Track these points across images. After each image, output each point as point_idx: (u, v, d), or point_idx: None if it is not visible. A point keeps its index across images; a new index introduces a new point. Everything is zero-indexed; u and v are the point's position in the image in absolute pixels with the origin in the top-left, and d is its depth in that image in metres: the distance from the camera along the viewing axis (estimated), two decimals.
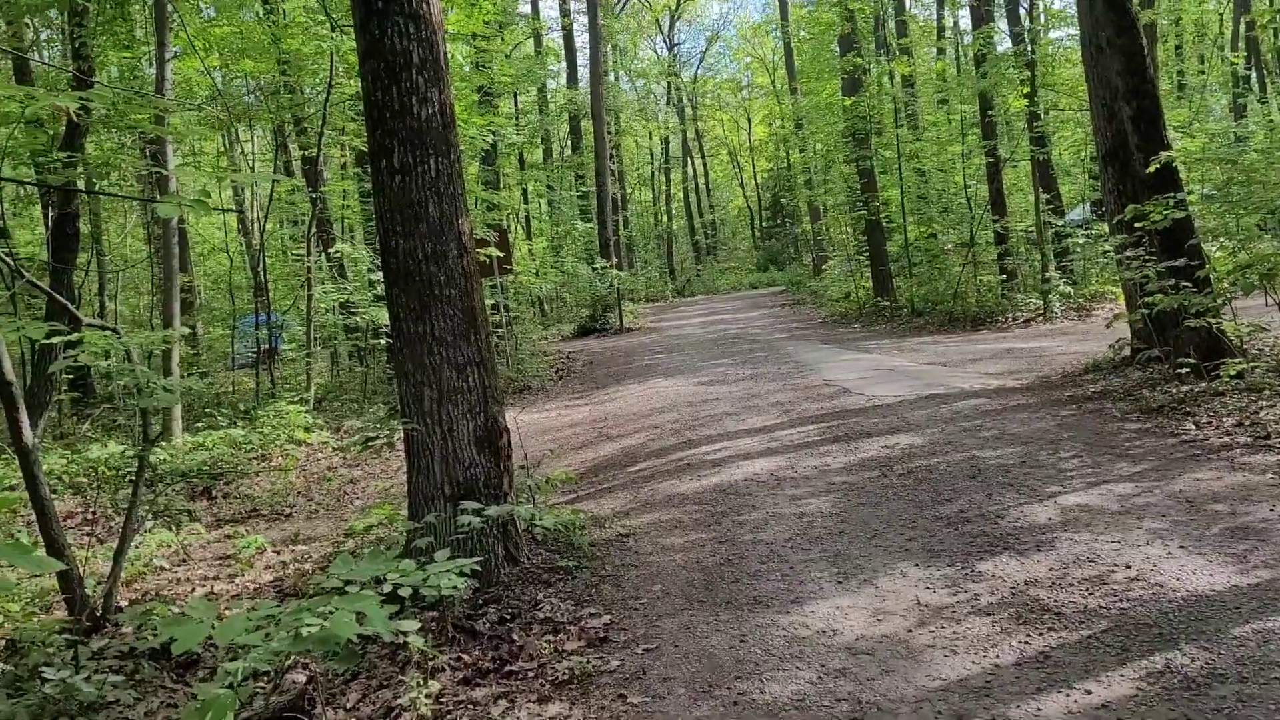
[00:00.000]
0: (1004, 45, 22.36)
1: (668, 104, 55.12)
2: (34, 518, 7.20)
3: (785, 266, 43.27)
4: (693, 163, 56.72)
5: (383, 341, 16.09)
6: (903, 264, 21.89)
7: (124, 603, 6.27)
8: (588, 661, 4.49)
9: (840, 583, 5.16)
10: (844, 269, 26.55)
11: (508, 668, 4.50)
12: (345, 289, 16.21)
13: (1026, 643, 4.16)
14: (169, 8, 13.55)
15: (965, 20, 30.38)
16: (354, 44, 13.76)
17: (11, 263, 6.78)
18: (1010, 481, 6.58)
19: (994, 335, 15.76)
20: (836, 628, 4.59)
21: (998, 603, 4.62)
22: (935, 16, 33.07)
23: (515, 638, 4.82)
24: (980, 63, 19.88)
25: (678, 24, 54.20)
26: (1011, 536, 5.49)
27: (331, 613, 3.02)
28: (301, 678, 4.66)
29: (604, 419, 11.85)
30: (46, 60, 18.05)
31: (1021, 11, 21.07)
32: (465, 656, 4.65)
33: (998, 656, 4.07)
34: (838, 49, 25.05)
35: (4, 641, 5.72)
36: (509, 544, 5.96)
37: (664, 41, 54.94)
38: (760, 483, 7.49)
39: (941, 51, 31.91)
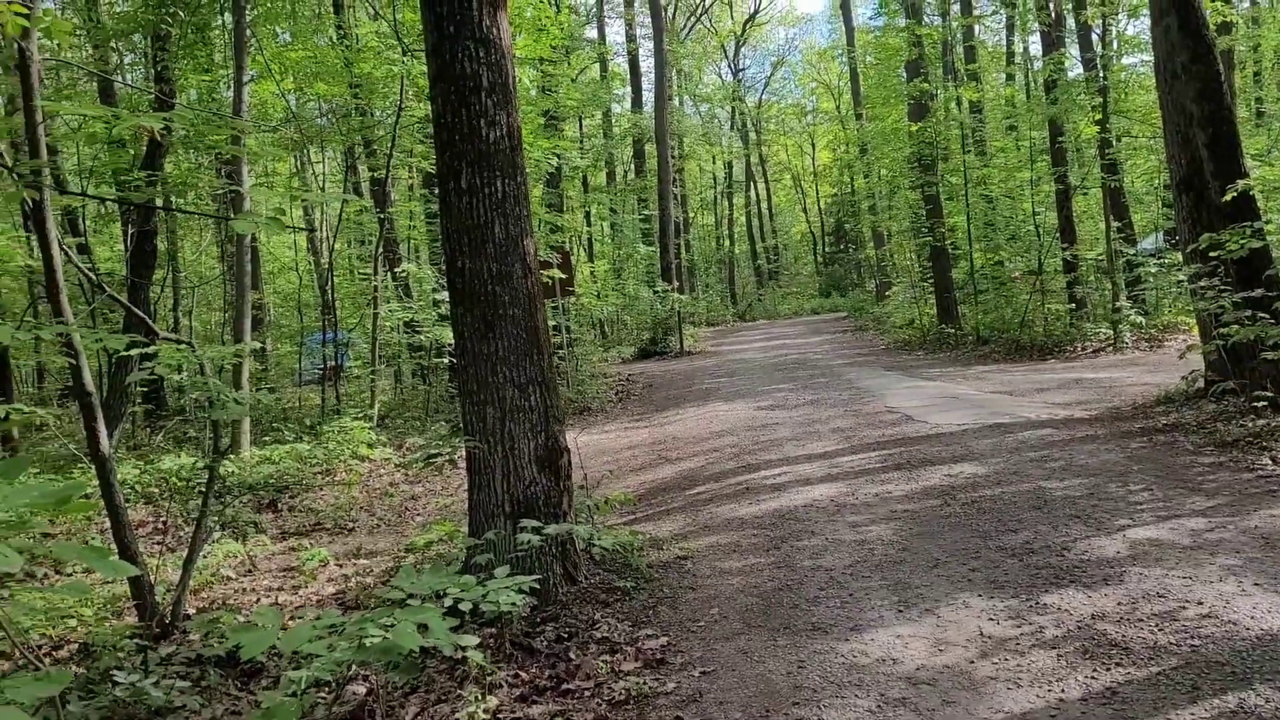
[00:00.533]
0: (1075, 71, 22.07)
1: (731, 128, 55.25)
2: (108, 525, 7.39)
3: (848, 292, 43.01)
4: (756, 187, 56.71)
5: (445, 360, 16.31)
6: (968, 291, 21.62)
7: (192, 610, 6.41)
8: (644, 683, 4.48)
9: (901, 611, 5.09)
10: (908, 295, 26.30)
11: (564, 686, 4.51)
12: (410, 308, 16.46)
13: (1093, 678, 4.07)
14: (248, 32, 13.96)
15: (1035, 46, 30.01)
16: (424, 68, 14.03)
17: (93, 277, 7.01)
18: (1077, 513, 6.45)
19: (1062, 365, 15.47)
20: (896, 656, 4.53)
21: (1063, 636, 4.52)
22: (1005, 42, 32.74)
23: (572, 656, 4.83)
24: (1050, 88, 19.63)
25: (743, 49, 54.39)
26: (1078, 569, 5.37)
27: (394, 624, 3.06)
28: (362, 689, 4.72)
29: (663, 441, 11.85)
30: (130, 83, 18.68)
31: (1094, 37, 20.77)
32: (523, 674, 4.67)
33: (1063, 691, 3.99)
34: (904, 74, 24.92)
35: (78, 645, 5.89)
36: (567, 563, 5.98)
37: (729, 66, 55.14)
38: (820, 509, 7.43)
39: (1011, 77, 31.55)
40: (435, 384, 17.30)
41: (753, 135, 54.58)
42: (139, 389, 16.20)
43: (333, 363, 17.74)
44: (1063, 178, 19.35)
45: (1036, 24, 22.20)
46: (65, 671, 2.47)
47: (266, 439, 13.36)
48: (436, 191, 17.61)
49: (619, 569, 6.27)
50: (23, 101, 6.38)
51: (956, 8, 25.24)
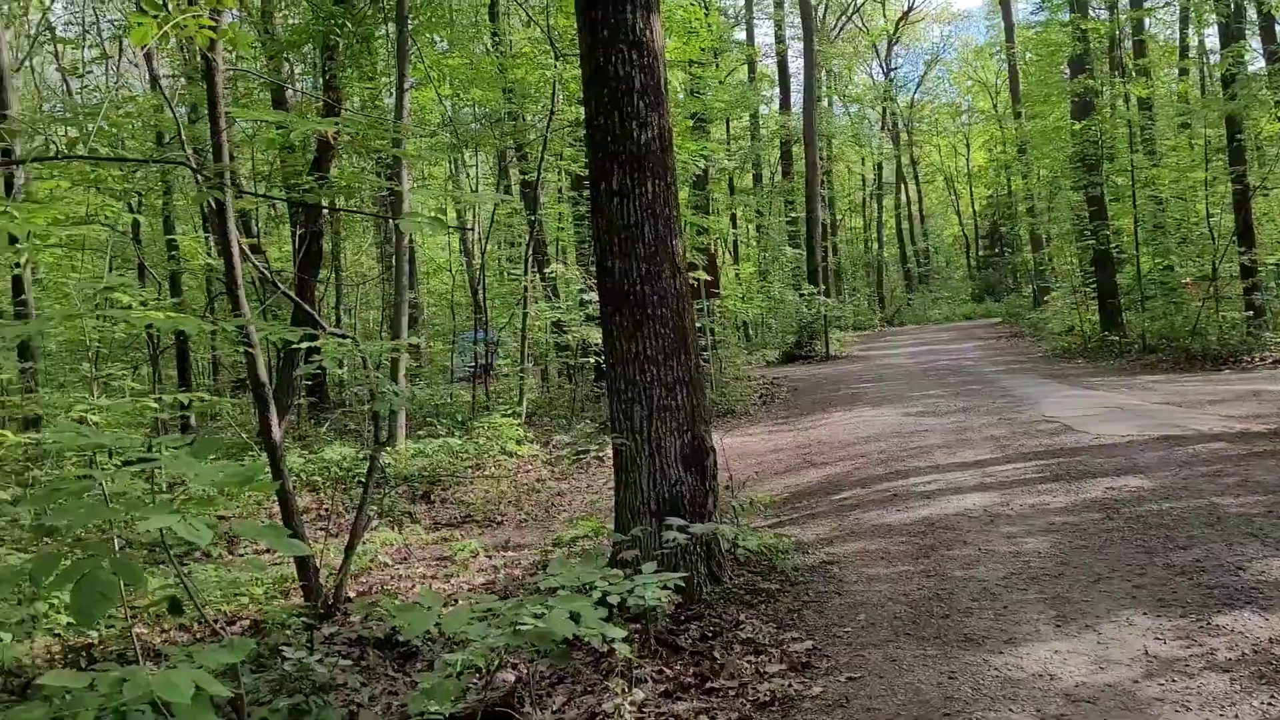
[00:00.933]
0: (1256, 65, 20.74)
1: (882, 129, 54.16)
2: (276, 510, 7.78)
3: (1002, 297, 41.50)
4: (906, 189, 55.43)
5: (591, 360, 16.56)
6: (1133, 297, 20.57)
7: (352, 594, 6.70)
8: (789, 685, 4.45)
9: (1059, 626, 4.90)
10: (1067, 301, 25.23)
11: (709, 684, 4.52)
12: (558, 308, 16.78)
13: (1270, 704, 3.82)
14: (409, 41, 14.50)
15: (1212, 39, 28.35)
16: (576, 72, 14.24)
17: (268, 274, 7.42)
18: (1254, 532, 6.06)
19: (1237, 376, 14.56)
20: (1054, 672, 4.35)
21: (1237, 659, 4.26)
22: (1177, 36, 31.03)
23: (716, 655, 4.84)
24: (1229, 84, 18.52)
25: (895, 48, 53.23)
26: (1255, 590, 5.05)
27: (547, 612, 3.13)
28: (510, 677, 4.85)
29: (808, 445, 11.73)
30: (300, 91, 19.65)
31: (1277, 29, 19.47)
32: (667, 670, 4.71)
33: (1236, 716, 3.76)
34: (1067, 71, 23.93)
35: (249, 621, 6.24)
36: (712, 563, 5.99)
37: (880, 66, 54.07)
38: (972, 518, 7.21)
39: (1184, 72, 29.89)
40: (581, 383, 17.58)
41: (904, 136, 53.36)
42: (303, 382, 17.03)
43: (483, 361, 18.25)
44: (1241, 178, 18.20)
45: (1213, 16, 20.98)
46: (247, 641, 2.63)
47: (420, 433, 13.83)
48: (586, 194, 17.85)
49: (763, 571, 6.24)
50: (209, 109, 6.82)
51: (1125, 0, 24.10)
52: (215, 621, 6.02)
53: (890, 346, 27.31)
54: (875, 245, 54.04)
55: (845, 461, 10.30)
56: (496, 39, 19.90)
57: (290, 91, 18.49)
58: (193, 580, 6.18)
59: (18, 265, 11.42)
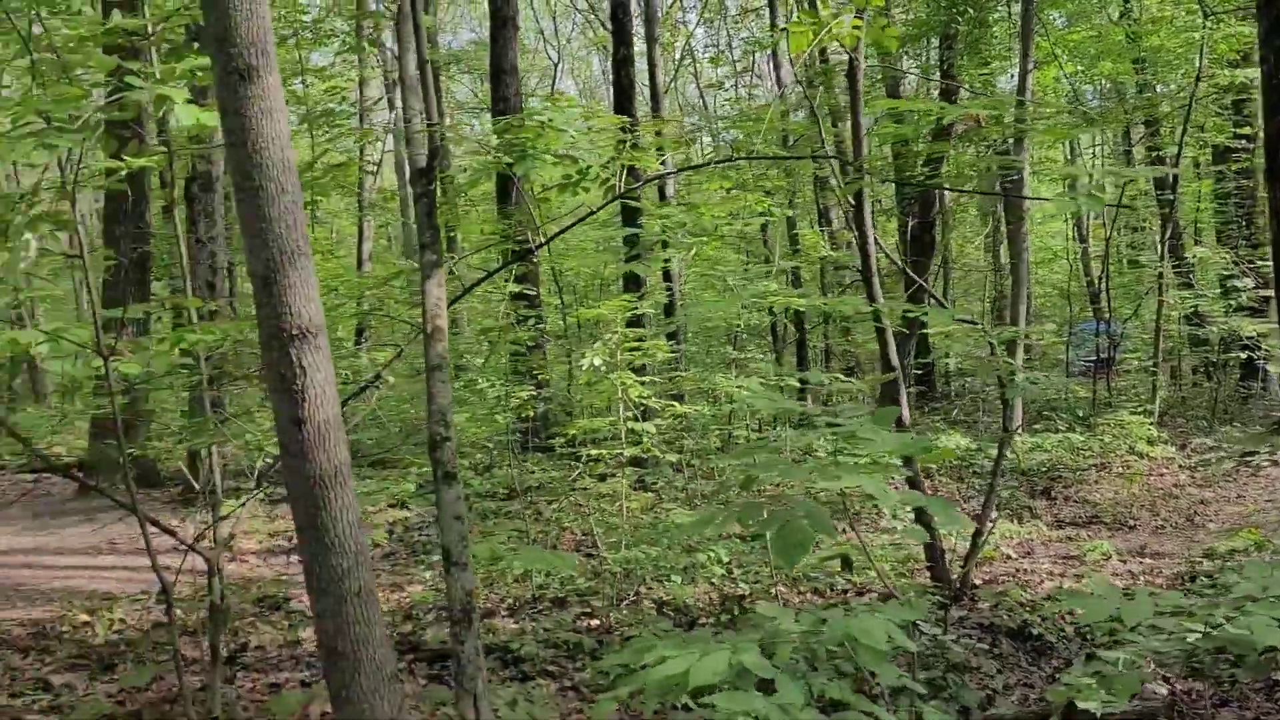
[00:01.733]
0: None
1: None
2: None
3: None
4: None
5: (1240, 355, 14.66)
6: None
7: (977, 581, 6.66)
8: None
9: None
10: None
11: None
12: (1202, 296, 15.11)
13: None
14: (1034, 19, 13.95)
15: None
16: (1228, 31, 12.65)
17: (900, 263, 7.66)
18: None
19: None
20: None
21: None
22: None
23: None
24: None
25: None
26: None
27: (1231, 618, 2.82)
28: (1162, 690, 4.48)
29: None
30: (926, 77, 19.88)
31: None
32: None
33: None
34: None
35: (876, 594, 6.52)
36: None
37: None
38: None
39: None
40: (1223, 381, 15.61)
41: None
42: (913, 372, 17.29)
43: (1104, 354, 17.06)
44: None
45: None
46: (920, 602, 2.74)
47: (1036, 427, 13.29)
48: (1232, 167, 15.77)
49: None
50: (850, 104, 7.18)
51: None
52: (856, 590, 6.39)
53: None
54: None
55: None
56: (1127, 5, 18.38)
57: (903, 84, 18.86)
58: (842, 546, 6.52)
59: (666, 260, 13.09)
